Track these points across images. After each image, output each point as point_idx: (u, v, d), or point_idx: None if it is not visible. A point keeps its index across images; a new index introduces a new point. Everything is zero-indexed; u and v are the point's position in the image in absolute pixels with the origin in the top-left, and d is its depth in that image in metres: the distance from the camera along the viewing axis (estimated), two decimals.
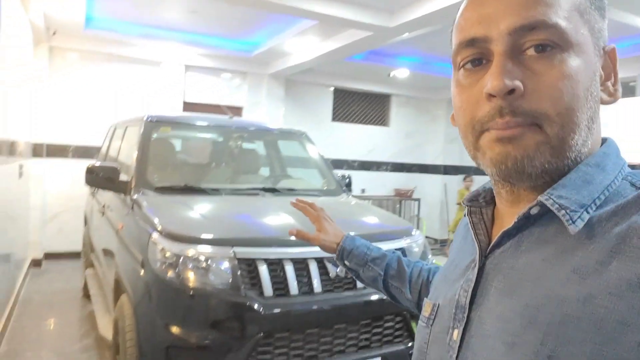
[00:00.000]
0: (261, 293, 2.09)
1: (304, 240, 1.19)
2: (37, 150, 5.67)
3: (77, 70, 6.01)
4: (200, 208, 2.57)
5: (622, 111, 5.00)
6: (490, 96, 0.51)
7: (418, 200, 8.24)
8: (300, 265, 2.22)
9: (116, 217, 2.99)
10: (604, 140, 0.57)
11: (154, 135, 3.19)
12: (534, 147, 0.50)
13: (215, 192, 2.91)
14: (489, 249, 0.58)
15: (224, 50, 6.41)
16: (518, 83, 0.50)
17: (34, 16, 4.53)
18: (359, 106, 8.19)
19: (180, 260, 2.08)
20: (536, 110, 0.50)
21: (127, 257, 2.48)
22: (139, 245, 2.33)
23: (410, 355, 2.30)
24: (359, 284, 2.34)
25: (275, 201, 2.91)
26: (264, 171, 3.61)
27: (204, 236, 2.17)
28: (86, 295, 4.29)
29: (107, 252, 3.08)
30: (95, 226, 3.94)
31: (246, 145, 3.66)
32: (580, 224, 0.48)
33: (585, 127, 0.52)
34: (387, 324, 2.40)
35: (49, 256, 5.92)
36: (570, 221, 0.49)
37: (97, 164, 2.98)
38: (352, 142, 8.02)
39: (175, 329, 2.01)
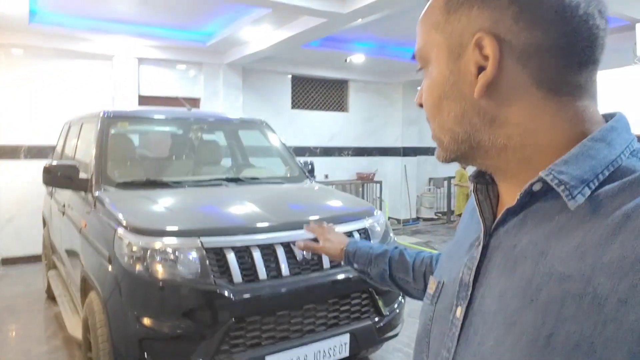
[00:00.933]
0: (230, 280, 2.15)
1: (310, 251, 1.24)
2: None
3: (25, 67, 5.78)
4: (164, 201, 2.59)
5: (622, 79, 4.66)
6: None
7: (380, 182, 8.43)
8: (268, 250, 2.28)
9: (78, 216, 2.95)
10: (612, 116, 0.55)
11: (112, 131, 3.16)
12: (439, 149, 0.61)
13: (177, 184, 2.92)
14: (493, 227, 0.58)
15: (178, 42, 6.31)
16: (420, 100, 0.63)
17: None
18: (318, 93, 8.24)
19: (148, 253, 2.11)
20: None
21: (93, 255, 2.47)
22: (105, 241, 2.33)
23: (378, 329, 2.41)
24: (325, 264, 2.43)
25: (239, 190, 2.95)
26: (226, 162, 3.63)
27: (170, 228, 2.20)
28: (50, 297, 4.20)
29: (71, 252, 3.05)
30: (55, 227, 3.86)
31: (206, 137, 3.66)
32: (580, 199, 0.48)
33: (459, 124, 0.57)
34: (354, 302, 2.51)
35: (6, 261, 5.73)
36: (570, 196, 0.48)
37: (55, 163, 2.93)
38: (313, 129, 8.08)
39: (147, 321, 2.04)
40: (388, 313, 2.66)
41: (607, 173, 0.49)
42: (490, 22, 0.53)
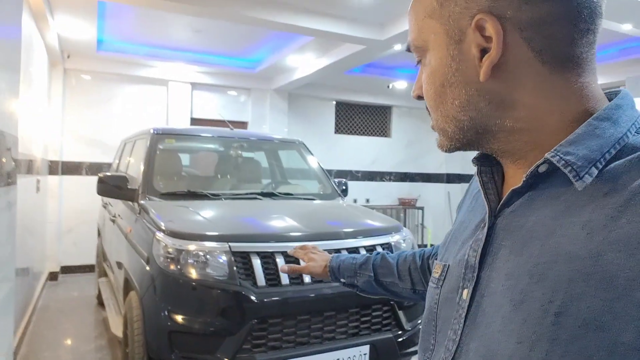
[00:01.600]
0: (255, 283, 2.29)
1: (294, 273, 1.27)
2: (53, 168, 5.97)
3: (90, 90, 6.34)
4: (200, 210, 2.79)
5: None
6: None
7: (422, 208, 8.40)
8: (291, 257, 2.41)
9: (125, 223, 3.22)
10: (616, 93, 0.55)
11: (160, 146, 3.44)
12: (441, 138, 0.61)
13: (216, 197, 3.14)
14: (498, 208, 0.58)
15: (228, 68, 6.71)
16: (419, 92, 0.63)
17: (49, 40, 4.85)
18: (361, 118, 8.42)
19: (181, 254, 2.30)
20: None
21: (134, 257, 2.70)
22: (145, 244, 2.55)
23: (399, 343, 2.46)
24: None
25: (271, 204, 3.13)
26: (264, 178, 3.83)
27: (202, 233, 2.39)
28: (100, 302, 4.51)
29: (118, 257, 3.31)
30: (107, 235, 4.18)
31: (246, 154, 3.89)
32: (588, 180, 0.48)
33: (461, 111, 0.57)
34: (375, 313, 2.58)
35: (65, 269, 6.17)
36: (578, 177, 0.48)
37: (108, 174, 3.23)
38: (355, 154, 8.23)
39: (176, 316, 2.22)
40: (410, 328, 2.70)
41: (613, 152, 0.49)
42: (489, 1, 0.52)
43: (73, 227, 6.25)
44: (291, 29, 4.39)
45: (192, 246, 2.32)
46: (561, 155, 0.50)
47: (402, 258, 1.09)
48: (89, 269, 6.09)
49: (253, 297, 2.24)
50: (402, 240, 2.93)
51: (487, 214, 0.59)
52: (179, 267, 2.29)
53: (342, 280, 1.14)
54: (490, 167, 0.63)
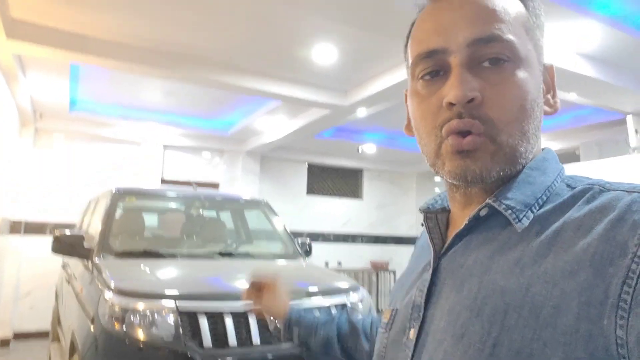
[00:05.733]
0: (200, 343, 2.23)
1: (257, 313, 1.18)
2: (15, 228, 5.83)
3: (61, 149, 6.34)
4: (153, 269, 2.75)
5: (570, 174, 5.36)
6: (451, 105, 0.55)
7: (394, 272, 8.37)
8: (241, 318, 2.37)
9: (79, 283, 3.13)
10: (543, 149, 0.62)
11: (120, 205, 3.43)
12: (490, 159, 0.55)
13: (172, 256, 3.10)
14: (443, 251, 0.61)
15: (201, 130, 6.83)
16: (477, 93, 0.54)
17: (20, 100, 4.92)
18: (333, 180, 8.56)
19: (127, 313, 2.24)
20: (491, 118, 0.54)
21: (82, 318, 2.61)
22: (93, 303, 2.48)
23: None
24: None
25: (227, 263, 3.10)
26: (224, 238, 3.81)
27: (149, 291, 2.35)
28: None
29: (68, 319, 3.19)
30: (62, 297, 4.03)
31: (208, 214, 3.89)
32: (526, 222, 0.53)
33: (533, 135, 0.57)
34: None
35: (19, 336, 5.86)
36: (517, 220, 0.53)
37: (64, 231, 3.18)
38: (327, 215, 8.28)
39: None
40: None
41: (545, 198, 0.55)
42: (544, 53, 0.61)
43: (32, 290, 6.01)
44: (258, 93, 4.56)
45: (137, 304, 2.27)
46: (501, 200, 0.55)
47: (368, 323, 1.04)
48: (45, 335, 5.79)
49: (196, 358, 2.17)
50: (359, 300, 2.91)
51: (432, 257, 0.62)
52: (123, 326, 2.22)
53: (294, 331, 1.06)
54: (435, 215, 0.67)
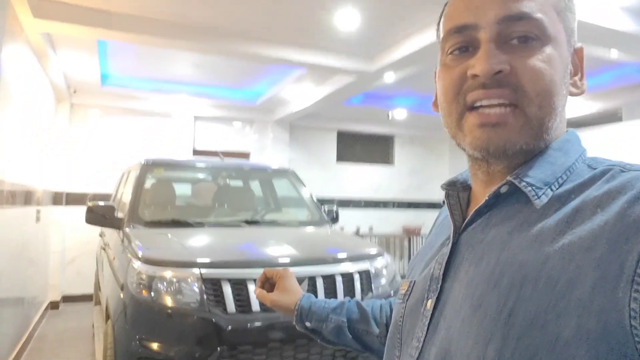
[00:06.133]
0: (225, 310, 2.31)
1: (263, 301, 1.11)
2: (57, 199, 6.11)
3: (96, 123, 6.54)
4: (180, 238, 2.84)
5: (610, 136, 5.17)
6: (475, 76, 0.57)
7: (426, 236, 8.32)
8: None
9: (112, 252, 3.28)
10: (567, 131, 0.63)
11: (149, 176, 3.53)
12: (517, 131, 0.56)
13: (199, 225, 3.19)
14: (463, 227, 0.63)
15: (230, 100, 6.87)
16: (506, 66, 0.56)
17: (54, 77, 5.06)
18: (363, 147, 8.49)
19: (153, 281, 2.34)
20: (523, 85, 0.55)
21: (113, 284, 2.74)
22: (122, 271, 2.60)
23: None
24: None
25: (253, 231, 3.16)
26: (251, 206, 3.88)
27: (175, 259, 2.43)
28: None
29: (104, 285, 3.36)
30: (101, 264, 4.24)
31: (235, 183, 3.95)
32: (544, 199, 0.55)
33: (560, 112, 0.59)
34: None
35: (67, 299, 6.23)
36: (536, 196, 0.55)
37: (98, 203, 3.32)
38: (358, 182, 8.26)
39: (146, 343, 2.23)
40: None
41: (565, 178, 0.57)
42: (575, 36, 0.62)
43: (76, 257, 6.34)
44: (282, 61, 4.52)
45: (163, 272, 2.36)
46: (522, 178, 0.56)
47: (377, 307, 1.03)
48: (91, 298, 6.14)
49: (222, 324, 2.25)
50: (383, 267, 2.92)
51: (452, 232, 0.64)
52: (150, 293, 2.32)
53: (307, 323, 1.03)
54: (456, 192, 0.69)
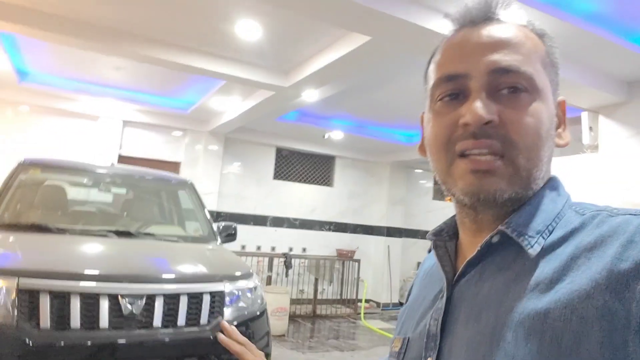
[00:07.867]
0: (37, 324, 2.10)
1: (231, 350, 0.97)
2: None
3: (15, 122, 6.23)
4: (22, 243, 2.62)
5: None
6: (466, 125, 0.57)
7: (358, 261, 8.19)
8: (90, 300, 2.24)
9: None
10: (550, 178, 0.63)
11: (21, 177, 3.30)
12: (507, 180, 0.56)
13: (61, 231, 2.96)
14: (455, 279, 0.61)
15: (161, 107, 6.67)
16: (495, 116, 0.56)
17: None
18: (303, 166, 8.38)
19: None
20: (512, 138, 0.55)
21: None
22: None
23: None
24: (156, 322, 2.34)
25: (115, 243, 2.96)
26: (133, 216, 3.67)
27: None
28: None
29: None
30: None
31: (121, 192, 3.75)
32: (537, 248, 0.54)
33: (546, 163, 0.59)
34: None
35: None
36: (529, 245, 0.54)
37: None
38: (294, 201, 8.12)
39: None
40: None
41: (555, 225, 0.56)
42: (557, 87, 0.64)
43: None
44: (196, 71, 4.39)
45: None
46: (513, 227, 0.56)
47: None
48: None
49: (28, 341, 2.03)
50: (248, 289, 2.77)
51: (445, 285, 0.62)
52: None
53: None
54: (444, 242, 0.67)
